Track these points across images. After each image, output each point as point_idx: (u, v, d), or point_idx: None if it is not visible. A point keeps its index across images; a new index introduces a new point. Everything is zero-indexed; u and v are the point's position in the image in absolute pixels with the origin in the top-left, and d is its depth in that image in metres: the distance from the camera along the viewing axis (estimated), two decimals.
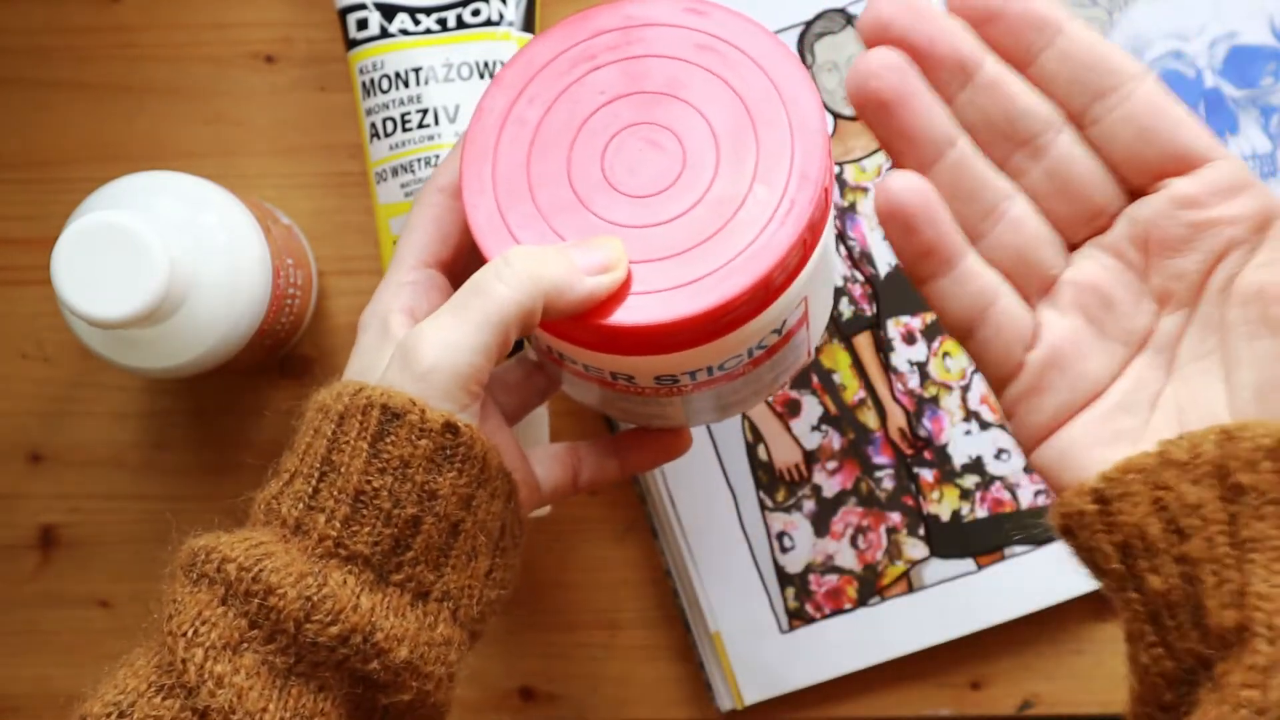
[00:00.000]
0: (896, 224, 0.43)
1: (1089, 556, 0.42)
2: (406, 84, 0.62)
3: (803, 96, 0.48)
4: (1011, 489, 0.63)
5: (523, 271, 0.46)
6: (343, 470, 0.46)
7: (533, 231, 0.48)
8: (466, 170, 0.49)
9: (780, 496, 0.64)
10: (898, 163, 0.44)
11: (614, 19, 0.50)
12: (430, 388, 0.46)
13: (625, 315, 0.47)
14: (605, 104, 0.49)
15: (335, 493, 0.45)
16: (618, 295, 0.47)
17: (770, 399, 0.61)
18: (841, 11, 0.64)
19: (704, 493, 0.64)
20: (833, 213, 0.52)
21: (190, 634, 0.43)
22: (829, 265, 0.52)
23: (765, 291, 0.47)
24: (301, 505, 0.46)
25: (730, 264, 0.46)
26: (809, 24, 0.65)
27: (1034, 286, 0.44)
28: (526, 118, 0.49)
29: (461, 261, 0.51)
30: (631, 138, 0.49)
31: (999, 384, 0.45)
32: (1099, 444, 0.43)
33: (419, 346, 0.46)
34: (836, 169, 0.64)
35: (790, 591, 0.64)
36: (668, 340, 0.47)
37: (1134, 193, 0.44)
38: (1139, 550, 0.40)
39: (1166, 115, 0.43)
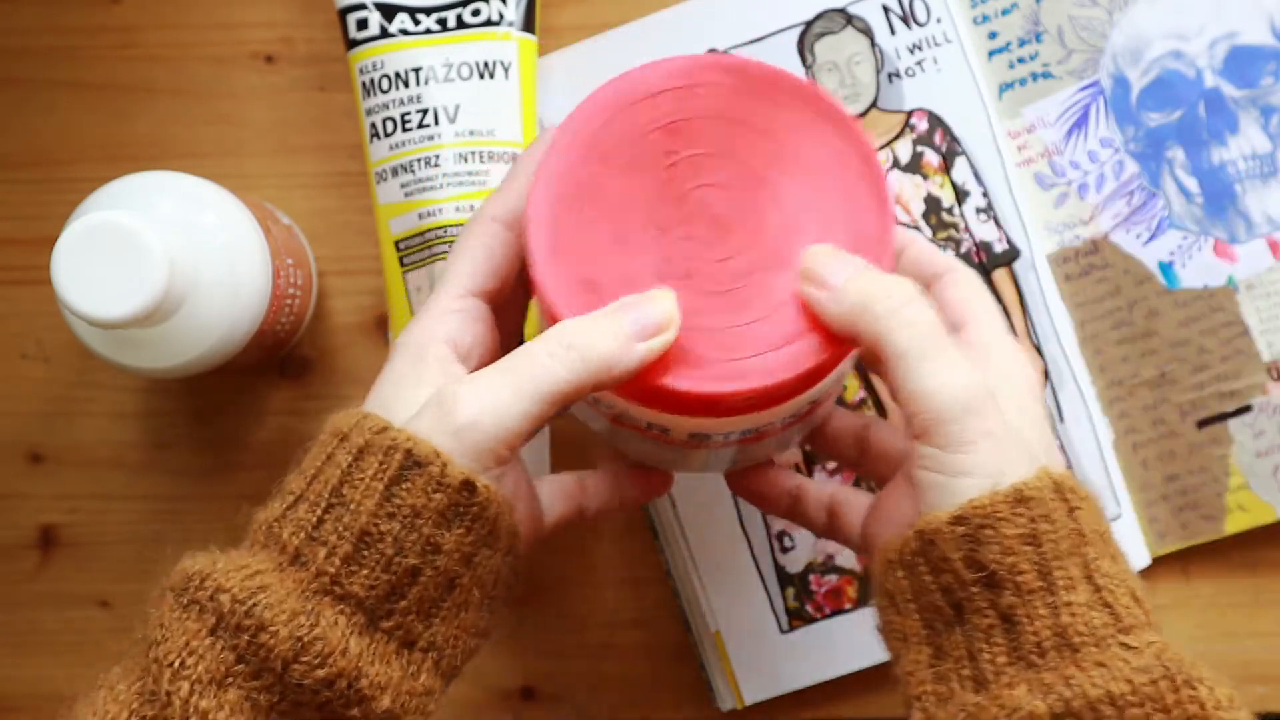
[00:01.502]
0: (753, 501, 0.56)
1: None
2: (406, 84, 0.62)
3: (859, 143, 0.49)
4: None
5: (577, 351, 0.46)
6: (351, 507, 0.45)
7: (591, 295, 0.48)
8: (532, 225, 0.48)
9: None
10: None
11: (672, 76, 0.50)
12: (462, 445, 0.46)
13: (680, 382, 0.47)
14: (671, 164, 0.49)
15: (340, 528, 0.45)
16: (673, 356, 0.47)
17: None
18: (841, 11, 0.64)
19: (704, 493, 0.64)
20: None
21: (177, 665, 0.43)
22: None
23: (819, 373, 0.48)
24: (304, 535, 0.45)
25: (791, 345, 0.47)
26: (809, 24, 0.65)
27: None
28: (594, 178, 0.49)
29: (507, 294, 0.52)
30: (699, 200, 0.48)
31: (856, 544, 0.54)
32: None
33: (459, 401, 0.46)
34: None
35: (790, 591, 0.64)
36: (716, 408, 0.48)
37: None
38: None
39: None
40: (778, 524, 0.64)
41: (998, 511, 0.44)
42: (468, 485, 0.45)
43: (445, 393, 0.46)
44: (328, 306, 0.66)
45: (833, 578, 0.64)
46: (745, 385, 0.47)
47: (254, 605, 0.43)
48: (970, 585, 0.44)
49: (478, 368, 0.49)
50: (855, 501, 0.53)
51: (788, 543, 0.64)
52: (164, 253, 0.52)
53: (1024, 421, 0.47)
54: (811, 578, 0.64)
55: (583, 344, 0.46)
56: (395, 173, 0.62)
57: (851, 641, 0.64)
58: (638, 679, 0.66)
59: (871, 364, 0.48)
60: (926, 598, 0.45)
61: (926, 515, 0.45)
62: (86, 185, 0.58)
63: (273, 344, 0.62)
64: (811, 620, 0.64)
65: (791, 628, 0.64)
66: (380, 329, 0.66)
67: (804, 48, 0.64)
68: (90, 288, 0.52)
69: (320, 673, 0.43)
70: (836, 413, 0.55)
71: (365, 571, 0.45)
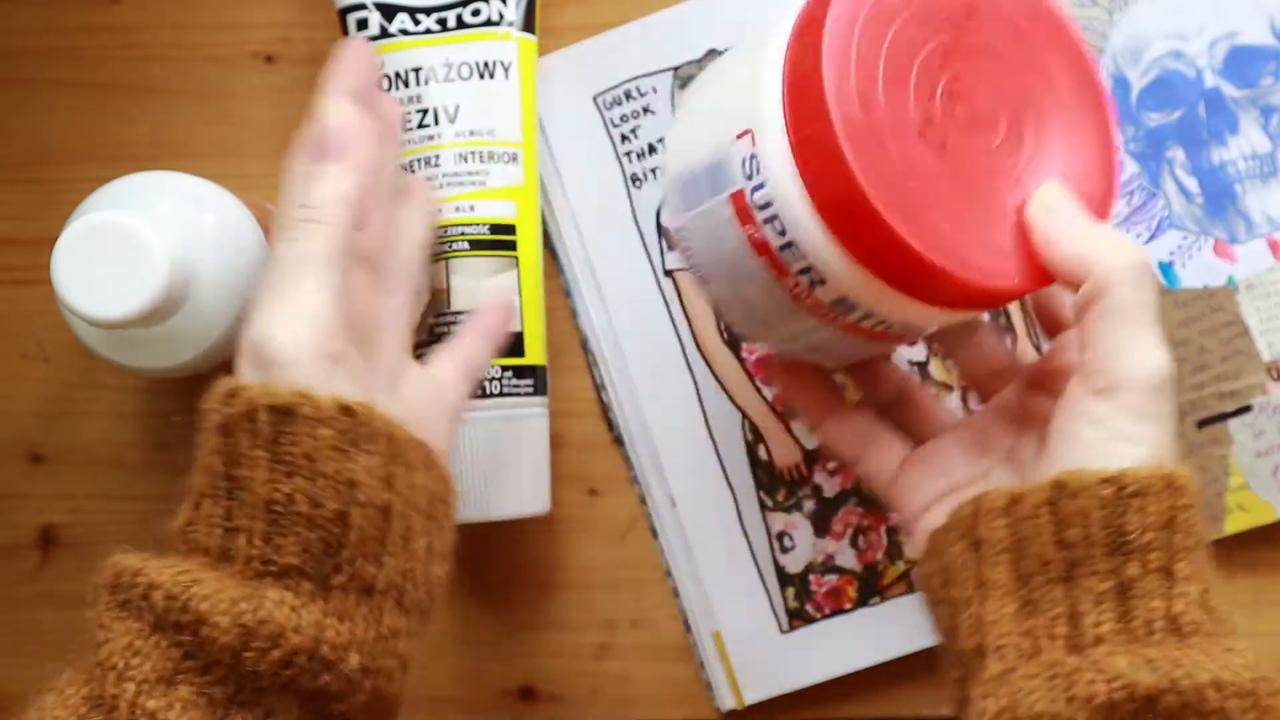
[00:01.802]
0: (787, 383, 0.57)
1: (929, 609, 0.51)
2: (406, 84, 0.62)
3: (1108, 136, 0.50)
4: None
5: (308, 216, 0.46)
6: (247, 484, 0.43)
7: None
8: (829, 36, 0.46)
9: (780, 496, 0.64)
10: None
11: None
12: (289, 369, 0.44)
13: (947, 260, 0.45)
14: (953, 36, 0.48)
15: (247, 510, 0.43)
16: (924, 227, 0.45)
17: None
18: None
19: (704, 493, 0.64)
20: None
21: (121, 666, 0.42)
22: None
23: (1020, 294, 0.48)
24: (219, 531, 0.44)
25: (1013, 259, 0.47)
26: None
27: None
28: (875, 32, 0.47)
29: None
30: (968, 80, 0.48)
31: (884, 491, 0.55)
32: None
33: (262, 335, 0.45)
34: None
35: (790, 591, 0.64)
36: (942, 294, 0.47)
37: None
38: (933, 599, 0.49)
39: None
40: (778, 524, 0.64)
41: (1153, 486, 0.44)
42: (345, 410, 0.44)
43: (248, 334, 0.45)
44: None
45: (833, 578, 0.64)
46: (990, 282, 0.46)
47: (189, 599, 0.42)
48: (1098, 546, 0.44)
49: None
50: (892, 447, 0.55)
51: (788, 543, 0.64)
52: (164, 253, 0.52)
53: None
54: (811, 578, 0.64)
55: (304, 207, 0.47)
56: None
57: (851, 641, 0.64)
58: (638, 679, 0.66)
59: (1074, 308, 0.48)
60: (1035, 549, 0.45)
61: (1073, 470, 0.45)
62: (86, 185, 0.58)
63: None
64: (811, 620, 0.64)
65: (791, 628, 0.64)
66: None
67: None
68: (90, 288, 0.52)
69: (275, 654, 0.42)
70: (987, 341, 0.56)
71: (290, 539, 0.43)
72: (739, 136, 0.47)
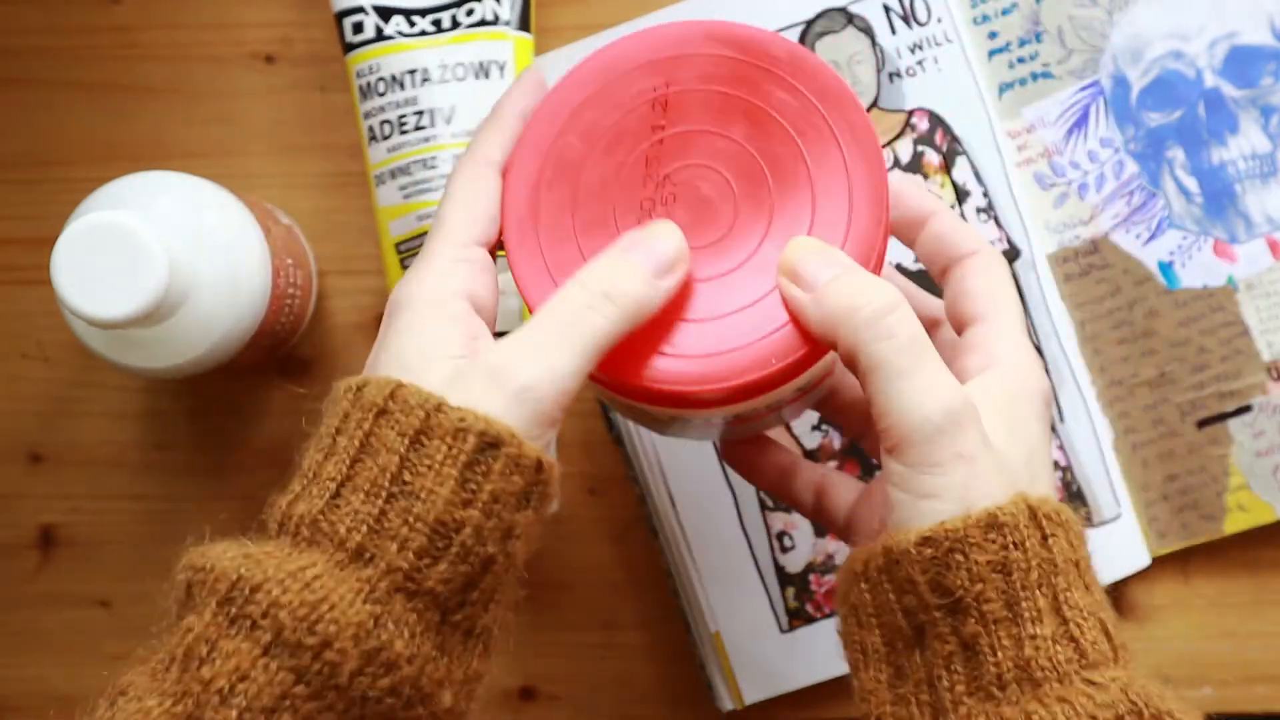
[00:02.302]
0: (742, 470, 0.56)
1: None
2: (403, 86, 0.61)
3: (859, 128, 0.47)
4: None
5: (613, 298, 0.45)
6: (422, 496, 0.42)
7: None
8: (508, 211, 0.48)
9: None
10: None
11: (652, 46, 0.48)
12: (523, 408, 0.43)
13: (655, 380, 0.46)
14: (658, 140, 0.47)
15: (410, 519, 0.42)
16: (651, 346, 0.46)
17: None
18: (842, 11, 0.64)
19: (704, 493, 0.64)
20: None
21: (226, 690, 0.40)
22: None
23: (797, 370, 0.47)
24: (365, 529, 0.42)
25: (774, 335, 0.46)
26: (810, 23, 0.65)
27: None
28: (576, 154, 0.48)
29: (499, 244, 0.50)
30: (686, 181, 0.47)
31: (841, 530, 0.54)
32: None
33: (512, 365, 0.44)
34: None
35: (790, 591, 0.64)
36: (692, 403, 0.47)
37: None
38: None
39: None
40: (778, 524, 0.64)
41: (969, 536, 0.43)
42: (539, 467, 0.43)
43: (493, 358, 0.44)
44: (328, 306, 0.66)
45: (833, 578, 0.64)
46: (720, 385, 0.46)
47: (317, 621, 0.40)
48: (934, 609, 0.43)
49: (489, 323, 0.47)
50: (844, 486, 0.54)
51: (788, 543, 0.64)
52: (164, 253, 0.52)
53: (1014, 439, 0.46)
54: (811, 578, 0.64)
55: (617, 291, 0.45)
56: (394, 175, 0.62)
57: None
58: (638, 679, 0.66)
59: (850, 368, 0.46)
60: (888, 616, 0.44)
61: (894, 533, 0.44)
62: (86, 185, 0.58)
63: (272, 344, 0.62)
64: (811, 620, 0.64)
65: (791, 628, 0.64)
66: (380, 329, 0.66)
67: (804, 46, 0.64)
68: (90, 288, 0.52)
69: (384, 681, 0.41)
70: (849, 384, 0.54)
71: (443, 565, 0.42)
72: None
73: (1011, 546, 0.43)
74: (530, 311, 0.47)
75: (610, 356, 0.45)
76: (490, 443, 0.42)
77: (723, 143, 0.47)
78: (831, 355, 0.48)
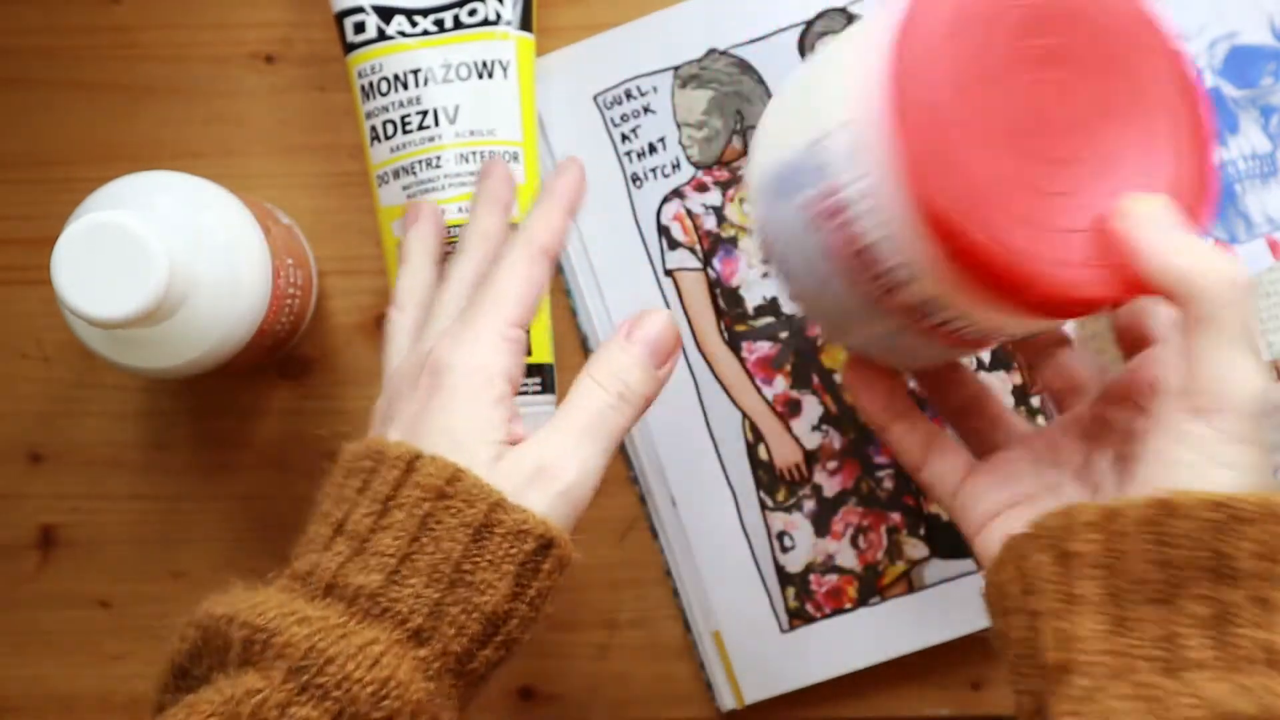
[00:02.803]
0: (858, 384, 0.56)
1: (992, 618, 0.49)
2: (405, 86, 0.61)
3: (1203, 128, 0.48)
4: None
5: (628, 397, 0.51)
6: (481, 589, 0.46)
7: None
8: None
9: (781, 496, 0.64)
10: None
11: None
12: (567, 506, 0.48)
13: (1050, 273, 0.45)
14: (1026, 47, 0.46)
15: (469, 608, 0.46)
16: (1017, 244, 0.44)
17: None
18: (842, 11, 0.64)
19: (704, 493, 0.64)
20: None
21: None
22: None
23: (1115, 303, 0.47)
24: (426, 611, 0.46)
25: (1104, 268, 0.45)
26: (809, 23, 0.65)
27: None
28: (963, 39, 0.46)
29: None
30: (1053, 88, 0.46)
31: (947, 501, 0.54)
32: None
33: (560, 467, 0.49)
34: None
35: (791, 591, 0.64)
36: (1039, 304, 0.46)
37: None
38: (1005, 607, 0.47)
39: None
40: (778, 524, 0.64)
41: (1258, 513, 0.43)
42: (565, 562, 0.48)
43: (540, 452, 0.49)
44: (328, 306, 0.66)
45: (833, 578, 0.64)
46: (1079, 290, 0.45)
47: (384, 697, 0.44)
48: (1201, 569, 0.43)
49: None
50: (958, 455, 0.55)
51: (788, 543, 0.64)
52: (164, 253, 0.52)
53: None
54: (811, 577, 0.64)
55: (630, 391, 0.51)
56: (397, 175, 0.62)
57: (851, 641, 0.64)
58: (638, 679, 0.66)
59: (1129, 328, 0.49)
60: (1132, 566, 0.44)
61: (1179, 490, 0.44)
62: (86, 185, 0.58)
63: (273, 344, 0.62)
64: (811, 620, 0.64)
65: (791, 628, 0.64)
66: (380, 329, 0.66)
67: (805, 47, 0.64)
68: (90, 288, 0.52)
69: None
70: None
71: (489, 651, 0.47)
72: (837, 129, 0.47)
73: None
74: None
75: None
76: (547, 545, 0.47)
77: (1082, 67, 0.47)
78: None
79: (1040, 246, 0.45)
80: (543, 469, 0.49)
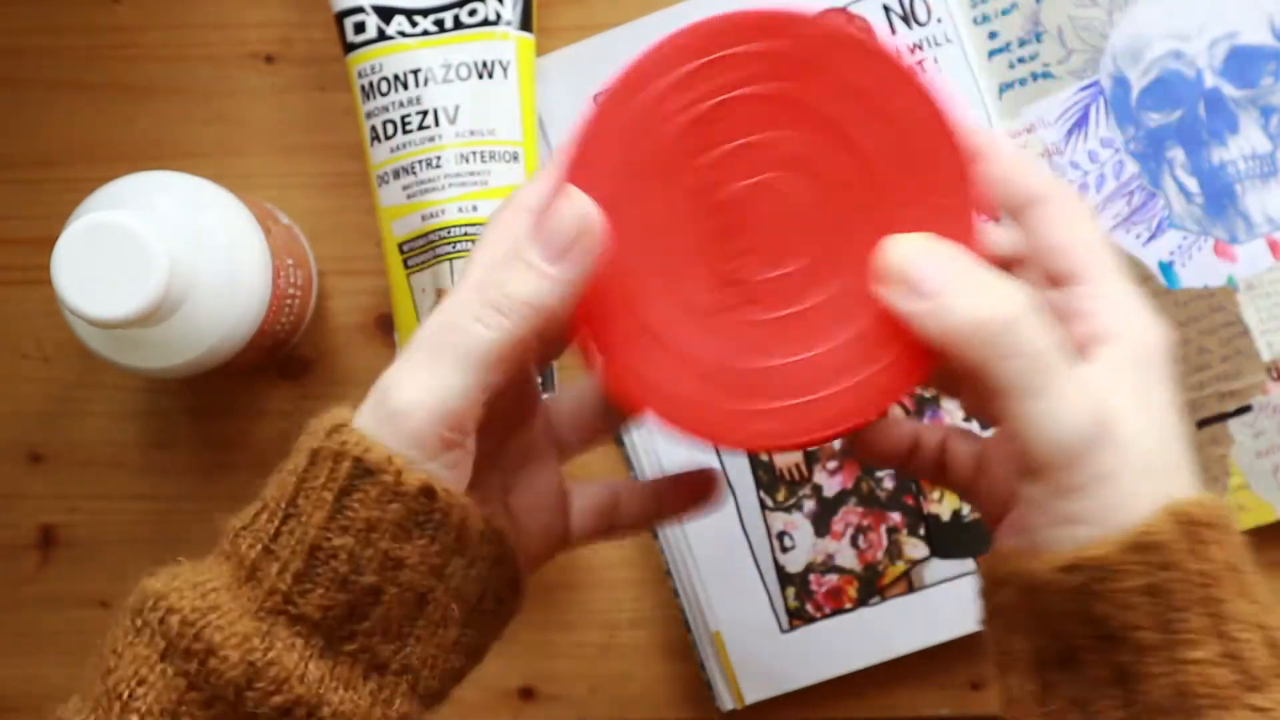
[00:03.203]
0: (866, 456, 0.52)
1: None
2: (406, 86, 0.62)
3: (943, 130, 0.42)
4: None
5: (497, 305, 0.42)
6: (303, 519, 0.42)
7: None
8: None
9: (781, 496, 0.64)
10: None
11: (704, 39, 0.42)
12: (399, 430, 0.41)
13: (756, 439, 0.42)
14: (710, 163, 0.42)
15: (294, 542, 0.41)
16: (743, 397, 0.42)
17: None
18: (842, 11, 0.64)
19: None
20: None
21: (126, 696, 0.40)
22: None
23: (927, 374, 0.43)
24: (260, 547, 0.42)
25: (873, 366, 0.42)
26: None
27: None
28: (623, 198, 0.42)
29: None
30: (749, 201, 0.42)
31: (967, 491, 0.51)
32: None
33: (395, 386, 0.42)
34: None
35: (790, 591, 0.64)
36: (795, 446, 0.44)
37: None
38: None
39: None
40: (778, 524, 0.64)
41: (1114, 562, 0.40)
42: (426, 491, 0.41)
43: (384, 379, 0.42)
44: (328, 306, 0.66)
45: (833, 578, 0.64)
46: (823, 432, 0.42)
47: (204, 628, 0.40)
48: (1082, 637, 0.41)
49: None
50: (964, 444, 0.50)
51: (788, 543, 0.64)
52: (164, 253, 0.52)
53: (1150, 422, 0.42)
54: (811, 577, 0.64)
55: (504, 299, 0.42)
56: (397, 175, 0.62)
57: (851, 641, 0.64)
58: (638, 679, 0.66)
59: (969, 379, 0.42)
60: (1036, 633, 0.42)
61: (1033, 562, 0.41)
62: (86, 185, 0.58)
63: (273, 344, 0.62)
64: (811, 620, 0.64)
65: (791, 628, 0.64)
66: (380, 329, 0.66)
67: None
68: (90, 288, 0.52)
69: (276, 699, 0.40)
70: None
71: (319, 591, 0.41)
72: None
73: (1161, 567, 0.40)
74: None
75: (694, 412, 0.42)
76: (367, 469, 0.41)
77: (781, 149, 0.42)
78: None
79: (769, 396, 0.42)
80: (384, 391, 0.42)
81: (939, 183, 0.41)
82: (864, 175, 0.42)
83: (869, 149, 0.42)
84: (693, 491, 0.53)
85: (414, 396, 0.42)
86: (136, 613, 0.42)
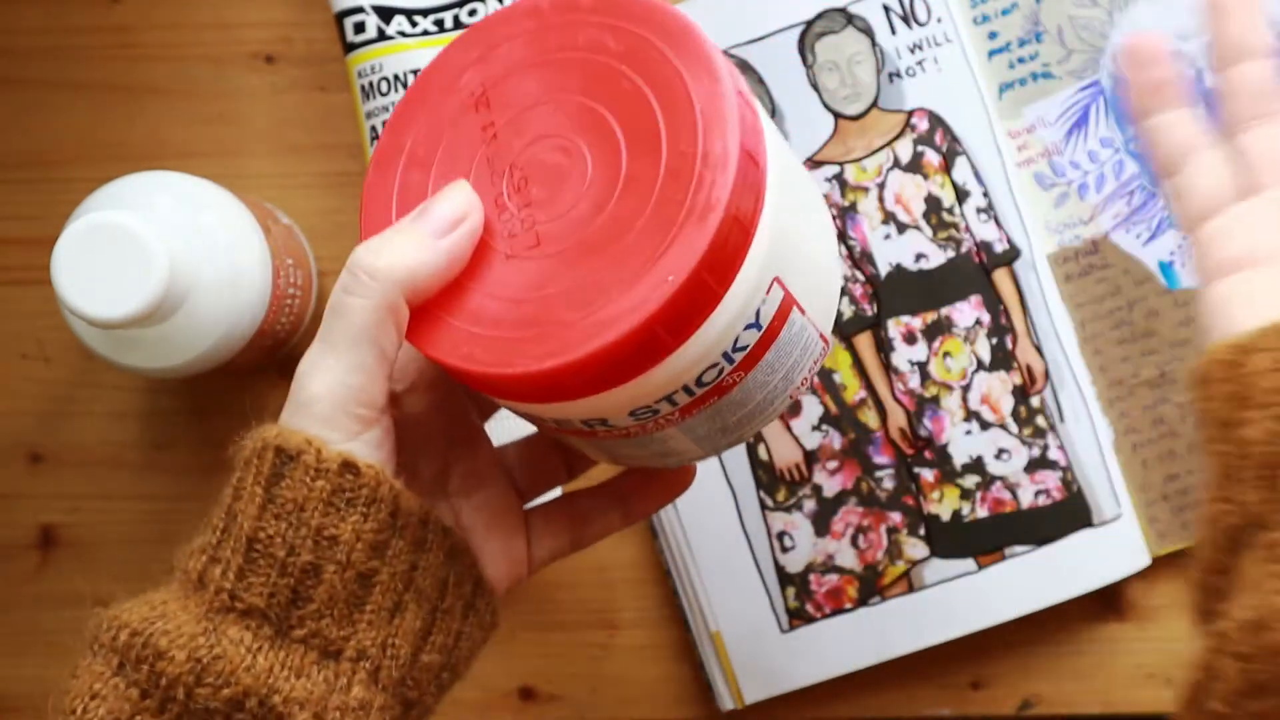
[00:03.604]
0: (1135, 59, 0.50)
1: (1205, 405, 0.44)
2: (405, 86, 0.62)
3: (697, 55, 0.42)
4: (1012, 489, 0.63)
5: (371, 272, 0.43)
6: (239, 518, 0.43)
7: None
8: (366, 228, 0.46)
9: (781, 496, 0.64)
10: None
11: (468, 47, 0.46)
12: (311, 417, 0.43)
13: (542, 361, 0.41)
14: (492, 138, 0.45)
15: (232, 543, 0.43)
16: (542, 333, 0.41)
17: (790, 404, 0.51)
18: (842, 11, 0.64)
19: (704, 493, 0.64)
20: (809, 179, 0.48)
21: (80, 711, 0.41)
22: (807, 235, 0.46)
23: (703, 296, 0.41)
24: (204, 558, 0.43)
25: (647, 275, 0.41)
26: (809, 24, 0.65)
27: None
28: (415, 179, 0.45)
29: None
30: (530, 160, 0.44)
31: (1191, 224, 0.49)
32: (1264, 302, 0.44)
33: (300, 377, 0.44)
34: (836, 169, 0.64)
35: (790, 591, 0.64)
36: (605, 374, 0.42)
37: None
38: (1247, 402, 0.42)
39: None
40: (778, 524, 0.64)
41: None
42: (348, 466, 0.42)
43: (294, 378, 0.44)
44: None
45: (833, 578, 0.64)
46: (611, 337, 0.40)
47: (150, 635, 0.41)
48: None
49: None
50: (1214, 170, 0.49)
51: (788, 543, 0.64)
52: (164, 253, 0.52)
53: None
54: (811, 577, 0.64)
55: (379, 263, 0.43)
56: None
57: (851, 641, 0.64)
58: (638, 679, 0.66)
59: None
60: None
61: None
62: (86, 185, 0.58)
63: (273, 344, 0.62)
64: (811, 620, 0.64)
65: (791, 628, 0.64)
66: None
67: (804, 47, 0.64)
68: (90, 288, 0.52)
69: (226, 693, 0.41)
70: None
71: (260, 580, 0.42)
72: None
73: None
74: None
75: (484, 346, 0.42)
76: (288, 454, 0.43)
77: (554, 110, 0.44)
78: (769, 282, 0.43)
79: (556, 322, 0.41)
80: (294, 388, 0.44)
81: (710, 115, 0.42)
82: (632, 117, 0.43)
83: (633, 92, 0.43)
84: (659, 484, 0.53)
85: (318, 382, 0.43)
86: (94, 637, 0.43)
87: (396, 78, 0.62)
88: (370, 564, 0.43)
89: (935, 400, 0.64)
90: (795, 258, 0.44)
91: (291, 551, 0.42)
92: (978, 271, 0.64)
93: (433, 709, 0.47)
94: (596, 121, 0.43)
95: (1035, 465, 0.63)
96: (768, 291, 0.43)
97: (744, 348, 0.43)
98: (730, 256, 0.41)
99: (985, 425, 0.64)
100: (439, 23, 0.62)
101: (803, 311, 0.45)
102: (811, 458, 0.64)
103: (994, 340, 0.64)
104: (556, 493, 0.55)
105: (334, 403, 0.43)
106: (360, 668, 0.43)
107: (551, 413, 0.44)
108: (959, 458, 0.64)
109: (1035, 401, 0.64)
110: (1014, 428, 0.63)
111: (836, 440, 0.64)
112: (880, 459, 0.64)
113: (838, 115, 0.65)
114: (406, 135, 0.46)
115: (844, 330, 0.64)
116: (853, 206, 0.64)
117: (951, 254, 0.64)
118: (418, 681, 0.45)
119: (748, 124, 0.42)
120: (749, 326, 0.43)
